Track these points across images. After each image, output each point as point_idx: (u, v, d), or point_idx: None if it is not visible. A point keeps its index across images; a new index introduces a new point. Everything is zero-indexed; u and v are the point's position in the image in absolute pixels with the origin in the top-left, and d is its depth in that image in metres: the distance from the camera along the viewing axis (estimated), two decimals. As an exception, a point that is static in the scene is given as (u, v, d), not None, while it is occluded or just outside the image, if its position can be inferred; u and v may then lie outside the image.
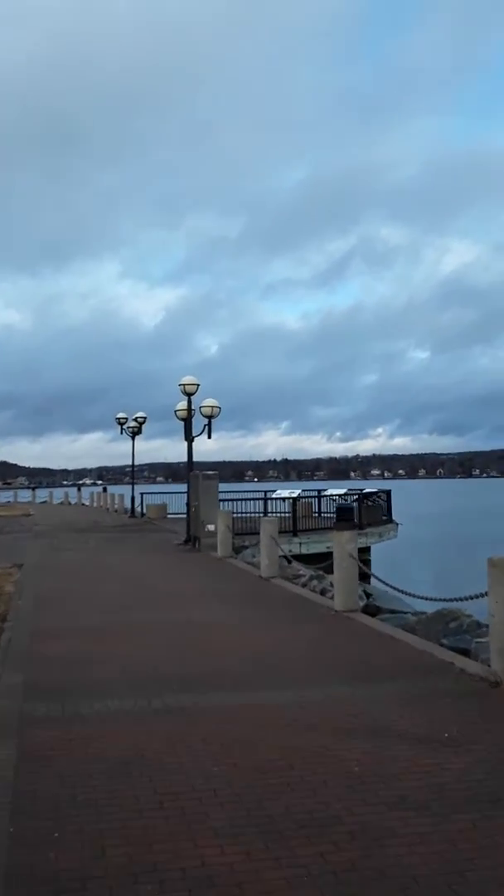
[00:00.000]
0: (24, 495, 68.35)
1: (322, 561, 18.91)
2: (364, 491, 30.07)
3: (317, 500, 31.49)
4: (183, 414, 21.06)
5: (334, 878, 3.16)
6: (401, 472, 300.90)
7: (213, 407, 20.85)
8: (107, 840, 3.54)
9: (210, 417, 20.84)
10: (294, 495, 33.66)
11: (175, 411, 21.38)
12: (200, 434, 20.97)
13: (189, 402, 20.82)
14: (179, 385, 20.85)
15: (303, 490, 35.75)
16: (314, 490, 37.29)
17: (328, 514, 28.49)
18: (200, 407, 20.92)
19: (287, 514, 26.93)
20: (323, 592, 12.23)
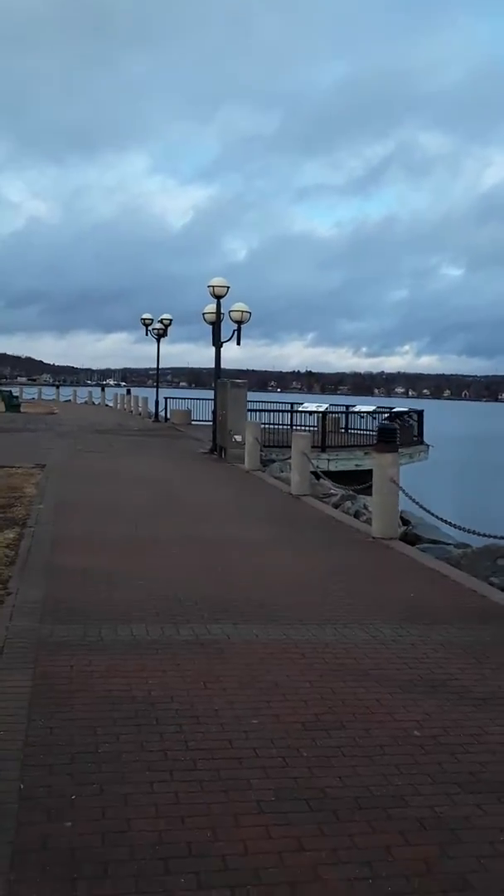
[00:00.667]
0: (49, 393, 68.08)
1: (350, 479, 18.36)
2: (394, 409, 29.24)
3: (345, 415, 30.71)
4: (211, 317, 20.15)
5: (406, 883, 2.61)
6: (425, 391, 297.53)
7: (243, 312, 19.87)
8: (132, 808, 3.02)
9: (240, 323, 19.90)
10: (321, 409, 33.02)
11: (203, 314, 20.48)
12: (229, 340, 20.12)
13: (218, 306, 19.87)
14: (208, 286, 19.83)
15: (330, 404, 35.01)
16: (342, 405, 36.57)
17: (356, 431, 27.81)
18: (230, 311, 19.96)
19: (314, 429, 26.39)
20: (356, 515, 11.66)
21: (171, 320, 33.40)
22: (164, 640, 5.06)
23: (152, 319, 33.67)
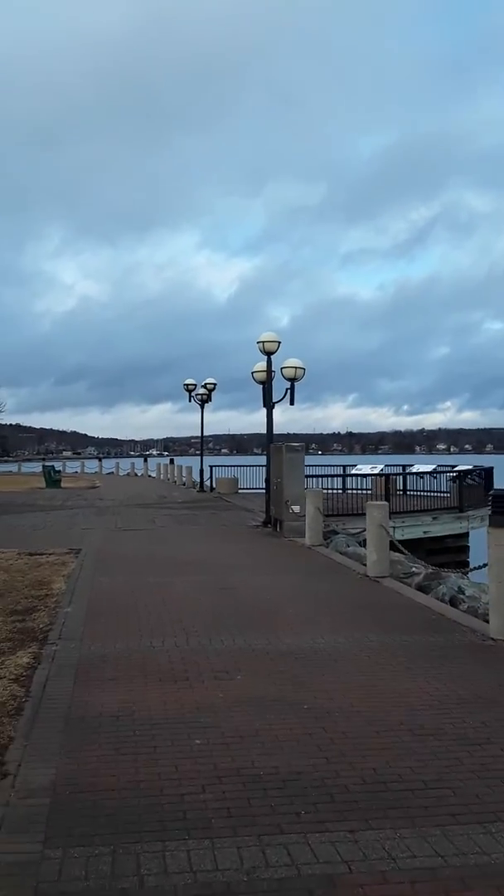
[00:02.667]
0: (92, 466, 67.29)
1: (418, 547, 16.18)
2: (458, 468, 27.00)
3: (402, 476, 28.54)
4: (261, 376, 18.44)
5: None
6: (467, 446, 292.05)
7: (296, 368, 18.14)
8: None
9: (293, 380, 18.15)
10: (376, 471, 30.89)
11: (252, 374, 18.76)
12: (281, 400, 18.36)
13: (269, 363, 18.19)
14: (258, 342, 18.20)
15: (385, 465, 32.89)
16: (396, 465, 34.42)
17: (417, 493, 25.65)
18: (282, 368, 18.24)
19: (369, 492, 24.29)
20: (453, 602, 9.49)
21: (214, 384, 32.03)
22: (243, 879, 3.02)
23: (195, 385, 32.33)
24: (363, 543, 15.68)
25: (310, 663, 6.20)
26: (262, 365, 18.41)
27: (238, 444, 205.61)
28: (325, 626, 7.49)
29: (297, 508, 15.25)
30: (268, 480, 18.05)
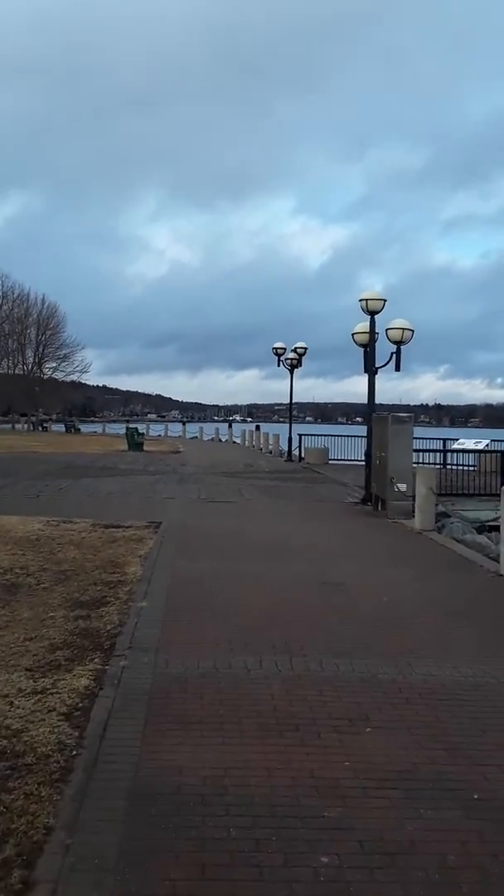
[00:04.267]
0: (176, 429, 66.72)
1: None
2: None
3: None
4: (363, 338, 16.55)
5: None
6: None
7: (403, 329, 16.19)
8: None
9: (399, 343, 16.21)
10: (480, 446, 28.54)
11: (353, 335, 16.86)
12: (385, 365, 16.47)
13: (372, 324, 16.29)
14: (360, 300, 16.32)
15: (491, 440, 30.44)
16: (502, 440, 31.89)
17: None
18: (387, 330, 16.33)
19: (473, 468, 22.18)
20: None
21: (305, 349, 30.26)
22: None
23: (285, 349, 30.62)
24: (481, 530, 13.80)
25: (461, 710, 4.53)
26: (364, 326, 16.52)
27: (322, 412, 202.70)
28: (467, 648, 5.79)
29: (403, 487, 13.46)
30: (367, 454, 16.28)
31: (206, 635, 5.88)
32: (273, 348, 31.27)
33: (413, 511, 12.70)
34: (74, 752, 3.80)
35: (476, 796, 3.50)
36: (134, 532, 10.81)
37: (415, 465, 14.20)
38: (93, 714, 4.26)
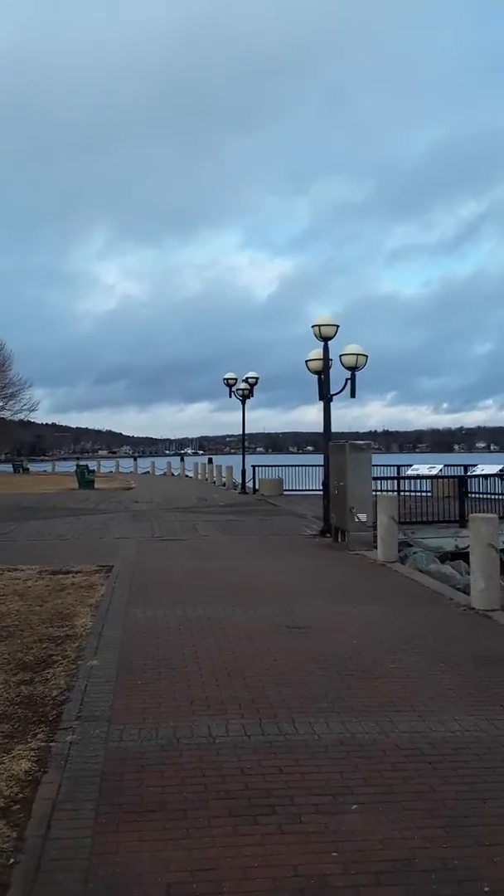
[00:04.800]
0: (127, 465, 65.75)
1: None
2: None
3: (462, 479, 26.16)
4: (317, 364, 16.25)
5: None
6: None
7: (357, 355, 15.92)
8: None
9: (354, 369, 15.93)
10: (434, 471, 28.45)
11: (306, 362, 16.56)
12: (340, 392, 16.16)
13: (325, 350, 16.00)
14: (313, 327, 16.02)
15: (444, 465, 30.42)
16: (455, 465, 31.90)
17: (481, 496, 23.21)
18: (341, 356, 16.04)
19: (426, 494, 21.97)
20: None
21: (256, 379, 29.95)
22: None
23: (236, 379, 30.27)
24: (444, 559, 13.46)
25: (455, 774, 4.04)
26: (317, 352, 16.24)
27: (273, 442, 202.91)
28: (450, 696, 5.31)
29: (363, 517, 13.07)
30: (325, 484, 15.88)
31: (164, 697, 5.29)
32: (224, 379, 30.90)
33: (375, 541, 12.29)
34: (11, 860, 3.18)
35: (486, 889, 2.99)
36: (84, 578, 10.15)
37: (374, 494, 13.82)
38: (34, 807, 3.64)
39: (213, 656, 6.31)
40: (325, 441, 16.05)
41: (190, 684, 5.56)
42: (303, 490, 29.16)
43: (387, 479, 20.90)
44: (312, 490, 29.14)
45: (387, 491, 21.53)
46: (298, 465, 31.14)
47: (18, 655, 6.31)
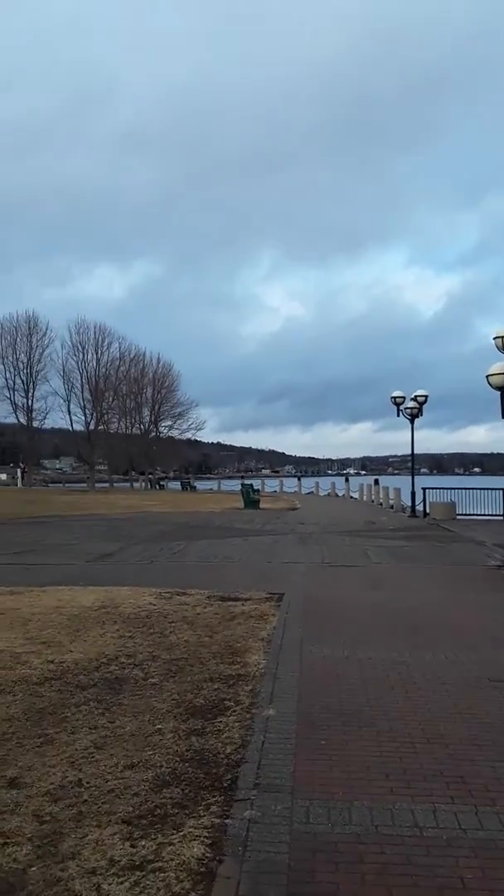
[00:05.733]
0: (290, 484, 65.78)
1: None
2: None
3: None
4: (499, 379, 14.99)
5: None
6: None
7: (546, 370, 14.48)
8: None
9: (541, 385, 14.49)
10: None
11: (487, 377, 15.34)
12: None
13: (511, 365, 14.69)
14: (495, 338, 14.77)
15: None
16: None
17: None
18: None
19: None
20: None
21: (426, 397, 28.70)
22: None
23: (404, 398, 29.14)
24: None
25: None
26: (500, 366, 14.97)
27: (438, 463, 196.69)
28: None
29: None
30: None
31: (354, 765, 4.51)
32: (392, 398, 29.89)
33: None
34: None
35: None
36: (254, 606, 9.59)
37: None
38: (209, 913, 2.99)
39: (406, 713, 5.46)
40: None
41: (382, 749, 4.75)
42: (478, 514, 27.48)
43: None
44: (489, 515, 27.35)
45: None
46: (471, 488, 29.43)
47: (189, 697, 5.78)
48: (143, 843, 3.49)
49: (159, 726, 5.11)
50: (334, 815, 3.84)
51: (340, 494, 52.45)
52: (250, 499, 35.30)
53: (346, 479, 58.02)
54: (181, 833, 3.58)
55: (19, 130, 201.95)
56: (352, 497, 49.29)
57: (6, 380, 67.10)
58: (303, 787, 4.18)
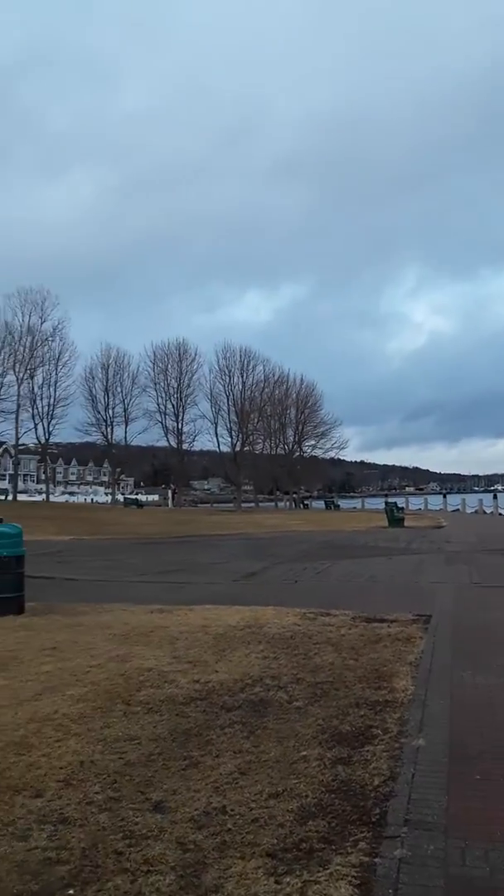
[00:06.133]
0: (435, 502, 64.08)
1: None
2: None
3: None
4: None
5: None
6: None
7: None
8: None
9: None
10: None
11: None
12: None
13: None
14: None
15: None
16: None
17: None
18: None
19: None
20: None
21: None
22: None
23: None
24: None
25: None
26: None
27: None
28: None
29: None
30: None
31: (516, 805, 4.17)
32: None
33: None
34: None
35: None
36: (400, 629, 9.28)
37: None
38: None
39: None
40: None
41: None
42: None
43: None
44: None
45: None
46: None
47: (334, 723, 5.61)
48: (288, 879, 3.36)
49: (304, 753, 4.97)
50: (493, 860, 3.55)
51: (488, 512, 50.39)
52: (394, 517, 34.60)
53: (495, 496, 55.60)
54: (328, 871, 3.42)
55: (174, 168, 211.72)
56: (500, 514, 47.22)
57: (158, 405, 69.99)
58: (457, 826, 3.91)
